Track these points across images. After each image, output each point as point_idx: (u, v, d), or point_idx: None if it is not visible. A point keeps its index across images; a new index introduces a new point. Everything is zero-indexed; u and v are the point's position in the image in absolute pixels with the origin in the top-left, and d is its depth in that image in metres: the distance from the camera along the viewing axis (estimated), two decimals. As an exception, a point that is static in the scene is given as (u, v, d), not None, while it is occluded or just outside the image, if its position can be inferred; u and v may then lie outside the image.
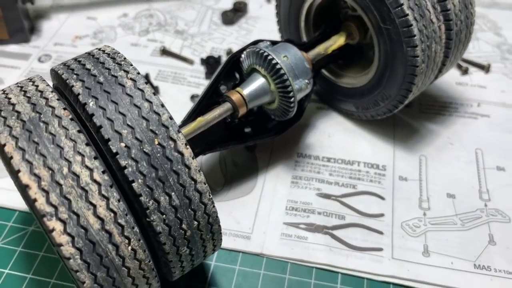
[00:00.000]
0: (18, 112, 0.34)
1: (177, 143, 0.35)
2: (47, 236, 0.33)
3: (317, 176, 0.55)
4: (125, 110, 0.34)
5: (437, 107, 0.63)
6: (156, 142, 0.34)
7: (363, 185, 0.55)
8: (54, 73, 0.39)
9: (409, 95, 0.52)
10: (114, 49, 0.39)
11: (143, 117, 0.35)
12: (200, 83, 0.66)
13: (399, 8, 0.46)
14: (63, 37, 0.73)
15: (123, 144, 0.34)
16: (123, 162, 0.33)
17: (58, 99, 0.35)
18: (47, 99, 0.35)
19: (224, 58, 0.69)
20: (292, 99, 0.49)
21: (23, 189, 0.32)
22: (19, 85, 0.37)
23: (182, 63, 0.69)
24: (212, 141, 0.50)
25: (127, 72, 0.37)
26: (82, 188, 0.32)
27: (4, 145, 0.32)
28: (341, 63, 0.59)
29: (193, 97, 0.64)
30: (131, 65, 0.37)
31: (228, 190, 0.54)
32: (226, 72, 0.52)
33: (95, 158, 0.33)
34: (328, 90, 0.62)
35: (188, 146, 0.35)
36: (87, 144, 0.33)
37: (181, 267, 0.39)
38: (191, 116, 0.48)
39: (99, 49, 0.40)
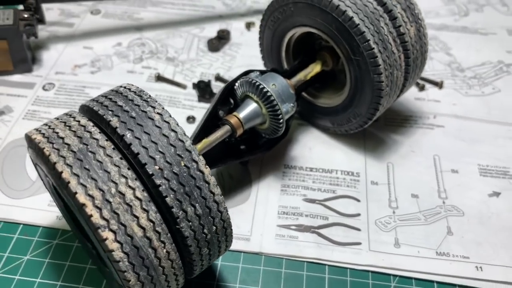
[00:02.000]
0: (68, 144, 0.42)
1: (199, 164, 0.43)
2: (99, 245, 0.40)
3: (302, 184, 0.65)
4: (156, 139, 0.43)
5: (399, 120, 0.73)
6: (182, 164, 0.43)
7: (341, 190, 0.64)
8: (87, 108, 0.46)
9: (377, 113, 0.62)
10: (138, 87, 0.47)
11: (171, 144, 0.43)
12: (194, 106, 0.74)
13: (366, 43, 0.56)
14: (63, 66, 0.80)
15: (157, 167, 0.42)
16: (157, 181, 0.41)
17: (100, 132, 0.43)
18: (90, 132, 0.43)
19: (213, 82, 0.77)
20: (281, 121, 0.58)
21: (79, 208, 0.39)
22: (62, 120, 0.45)
23: (176, 87, 0.77)
24: (214, 159, 0.59)
25: (153, 107, 0.45)
26: (127, 204, 0.40)
27: (61, 172, 0.40)
28: (318, 86, 0.69)
29: (188, 118, 0.72)
30: (156, 101, 0.45)
31: (227, 200, 0.63)
32: (223, 98, 0.61)
33: (136, 179, 0.41)
34: (307, 109, 0.71)
35: (207, 166, 0.44)
36: (128, 168, 0.41)
37: (201, 265, 0.47)
38: (196, 138, 0.57)
39: (125, 88, 0.48)
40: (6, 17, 0.72)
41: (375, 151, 0.69)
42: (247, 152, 0.62)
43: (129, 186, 0.41)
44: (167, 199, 0.41)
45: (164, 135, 0.43)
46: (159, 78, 0.78)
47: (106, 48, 0.83)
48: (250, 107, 0.58)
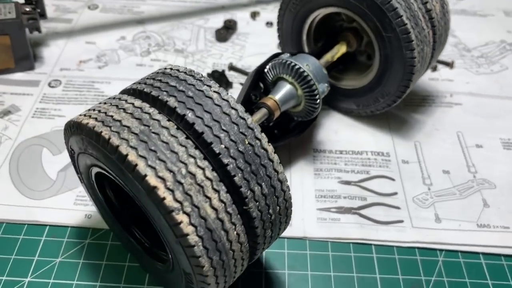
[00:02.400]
0: (128, 127, 0.39)
1: (262, 142, 0.42)
2: (170, 230, 0.38)
3: (334, 166, 0.64)
4: (218, 118, 0.41)
5: (418, 100, 0.74)
6: (247, 142, 0.41)
7: (375, 170, 0.64)
8: (133, 91, 0.44)
9: (407, 90, 0.62)
10: (186, 67, 0.45)
11: (233, 122, 0.41)
12: (211, 96, 0.72)
13: (399, 19, 0.56)
14: (67, 62, 0.76)
15: (223, 146, 0.40)
16: (225, 161, 0.39)
17: (159, 113, 0.40)
18: (149, 113, 0.40)
19: (227, 72, 0.75)
20: (318, 101, 0.57)
21: (150, 191, 0.37)
22: (112, 104, 0.42)
23: (190, 78, 0.74)
24: (251, 144, 0.57)
25: (209, 86, 0.43)
26: (199, 185, 0.38)
27: (127, 155, 0.37)
28: (341, 68, 0.68)
29: (208, 108, 0.70)
30: (210, 80, 0.43)
31: (262, 187, 0.61)
32: (254, 83, 0.59)
33: (204, 158, 0.39)
34: (328, 93, 0.70)
35: (270, 144, 0.42)
36: (195, 148, 0.39)
37: (262, 249, 0.45)
38: (235, 123, 0.55)
39: (171, 69, 0.45)
40: (8, 10, 0.68)
41: (400, 131, 0.69)
42: (281, 137, 0.61)
43: (199, 166, 0.38)
44: (235, 179, 0.39)
45: (225, 113, 0.41)
46: (172, 70, 0.75)
47: (110, 42, 0.80)
48: (285, 88, 0.57)
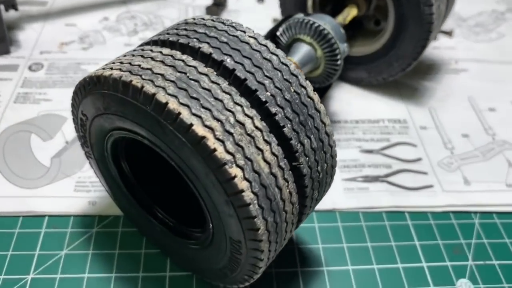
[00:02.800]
0: (161, 74, 0.34)
1: (307, 90, 0.37)
2: (221, 188, 0.32)
3: (353, 136, 0.60)
4: (259, 64, 0.36)
5: (425, 68, 0.72)
6: (292, 90, 0.36)
7: (395, 137, 0.60)
8: (153, 42, 0.39)
9: (424, 50, 0.59)
10: (212, 16, 0.40)
11: (276, 68, 0.36)
12: (211, 72, 0.67)
13: (417, -28, 0.53)
14: (47, 45, 0.69)
15: (268, 93, 0.35)
16: (273, 109, 0.35)
17: (194, 59, 0.35)
18: (183, 60, 0.35)
19: (224, 48, 0.71)
20: (339, 62, 0.53)
21: (197, 142, 0.31)
22: (135, 54, 0.37)
23: (186, 56, 0.69)
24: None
25: (244, 31, 0.38)
26: (249, 135, 0.33)
27: (166, 103, 0.32)
28: (350, 34, 0.65)
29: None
30: (242, 25, 0.39)
31: (280, 160, 0.56)
32: (267, 47, 0.55)
33: (251, 106, 0.34)
34: (335, 63, 0.67)
35: (315, 92, 0.38)
36: (240, 95, 0.34)
37: (307, 214, 0.41)
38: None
39: (194, 18, 0.40)
40: (-20, -15, 0.61)
41: (413, 98, 0.66)
42: (298, 105, 0.56)
43: (247, 115, 0.33)
44: (285, 130, 0.35)
45: (265, 59, 0.37)
46: (165, 48, 0.69)
47: (93, 23, 0.74)
48: (303, 50, 0.53)
